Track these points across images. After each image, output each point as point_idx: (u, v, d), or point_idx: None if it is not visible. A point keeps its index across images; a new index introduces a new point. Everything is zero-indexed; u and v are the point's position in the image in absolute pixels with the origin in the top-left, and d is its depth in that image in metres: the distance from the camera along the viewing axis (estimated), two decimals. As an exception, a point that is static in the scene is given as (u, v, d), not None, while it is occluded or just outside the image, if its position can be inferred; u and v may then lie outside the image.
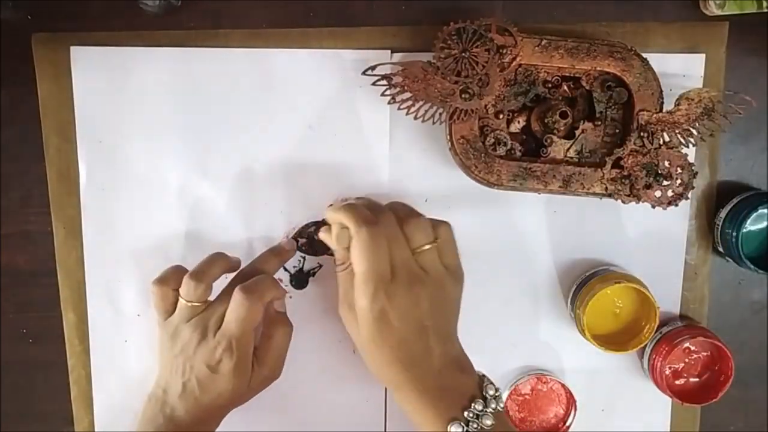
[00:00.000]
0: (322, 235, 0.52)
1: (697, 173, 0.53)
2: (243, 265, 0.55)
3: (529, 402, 0.59)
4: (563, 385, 0.58)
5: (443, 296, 0.49)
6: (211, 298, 0.53)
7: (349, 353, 0.59)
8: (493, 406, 0.47)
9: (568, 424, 0.58)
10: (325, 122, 0.56)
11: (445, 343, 0.49)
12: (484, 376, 0.49)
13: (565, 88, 0.54)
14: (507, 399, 0.58)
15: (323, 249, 0.57)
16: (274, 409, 0.54)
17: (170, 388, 0.51)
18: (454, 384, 0.48)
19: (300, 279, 0.58)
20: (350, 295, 0.48)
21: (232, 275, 0.54)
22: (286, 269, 0.58)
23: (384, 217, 0.49)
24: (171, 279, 0.53)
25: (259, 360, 0.52)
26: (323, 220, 0.56)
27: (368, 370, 0.50)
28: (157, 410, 0.51)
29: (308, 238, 0.57)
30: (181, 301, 0.52)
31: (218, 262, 0.54)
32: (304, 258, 0.58)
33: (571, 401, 0.58)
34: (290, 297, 0.58)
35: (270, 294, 0.52)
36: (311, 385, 0.55)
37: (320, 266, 0.58)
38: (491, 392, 0.47)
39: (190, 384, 0.50)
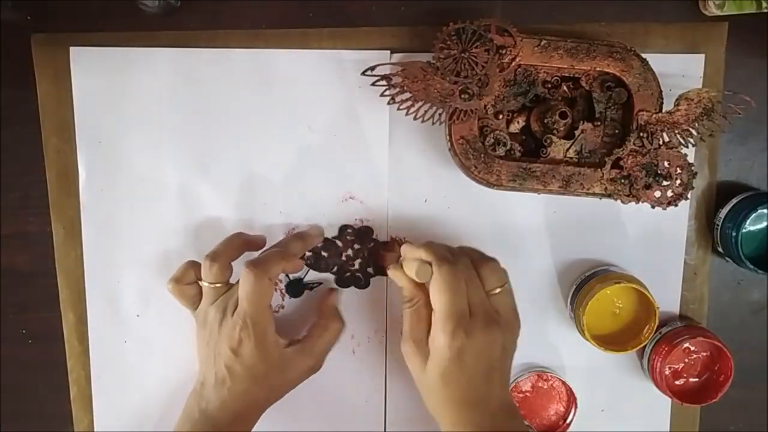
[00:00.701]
0: (392, 273, 0.52)
1: (696, 173, 0.53)
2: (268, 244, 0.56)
3: (530, 399, 0.59)
4: (564, 383, 0.58)
5: (512, 340, 0.50)
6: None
7: (349, 353, 0.59)
8: None
9: (568, 421, 0.58)
10: (325, 122, 0.56)
11: (504, 388, 0.49)
12: (530, 426, 0.50)
13: (565, 88, 0.54)
14: (507, 397, 0.58)
15: (327, 266, 0.58)
16: (273, 409, 0.54)
17: (206, 380, 0.52)
18: (506, 429, 0.48)
19: (296, 287, 0.58)
20: (417, 331, 0.49)
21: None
22: (287, 275, 0.58)
23: (461, 257, 0.50)
24: (184, 275, 0.54)
25: (305, 349, 0.53)
26: (331, 238, 0.57)
27: (426, 406, 0.50)
28: (194, 404, 0.52)
29: (314, 253, 0.57)
30: (203, 285, 0.53)
31: (235, 242, 0.54)
32: (308, 271, 0.58)
33: (571, 399, 0.58)
34: (290, 298, 0.58)
35: (278, 267, 0.51)
36: (311, 385, 0.55)
37: (320, 284, 0.58)
38: None
39: (220, 372, 0.51)
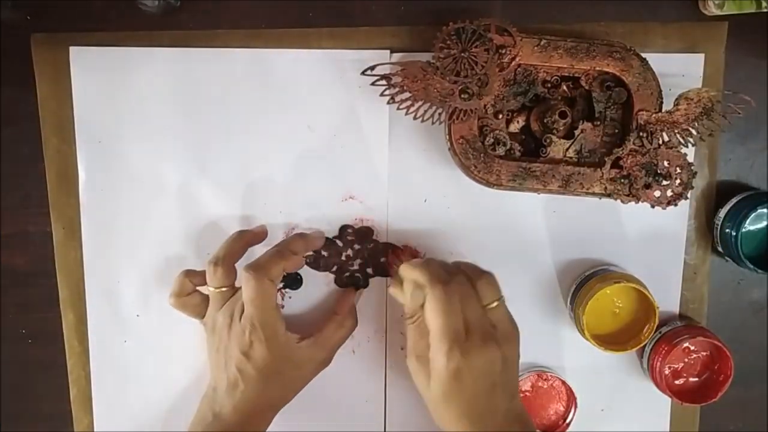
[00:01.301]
0: (392, 290, 0.53)
1: (696, 173, 0.53)
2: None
3: (530, 399, 0.59)
4: (564, 382, 0.58)
5: (512, 353, 0.49)
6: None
7: (349, 353, 0.59)
8: None
9: (568, 421, 0.58)
10: (325, 122, 0.56)
11: (511, 400, 0.49)
12: None
13: (565, 88, 0.54)
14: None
15: (327, 266, 0.58)
16: (273, 409, 0.54)
17: (218, 385, 0.52)
18: None
19: (293, 281, 0.58)
20: (420, 346, 0.49)
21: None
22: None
23: (456, 275, 0.49)
24: (182, 287, 0.53)
25: (319, 343, 0.53)
26: (332, 238, 0.57)
27: (433, 420, 0.50)
28: (207, 408, 0.52)
29: (315, 252, 0.57)
30: (210, 290, 0.53)
31: (237, 242, 0.54)
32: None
33: (571, 398, 0.58)
34: (290, 297, 0.58)
35: (278, 267, 0.52)
36: (311, 385, 0.55)
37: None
38: None
39: (232, 376, 0.51)
